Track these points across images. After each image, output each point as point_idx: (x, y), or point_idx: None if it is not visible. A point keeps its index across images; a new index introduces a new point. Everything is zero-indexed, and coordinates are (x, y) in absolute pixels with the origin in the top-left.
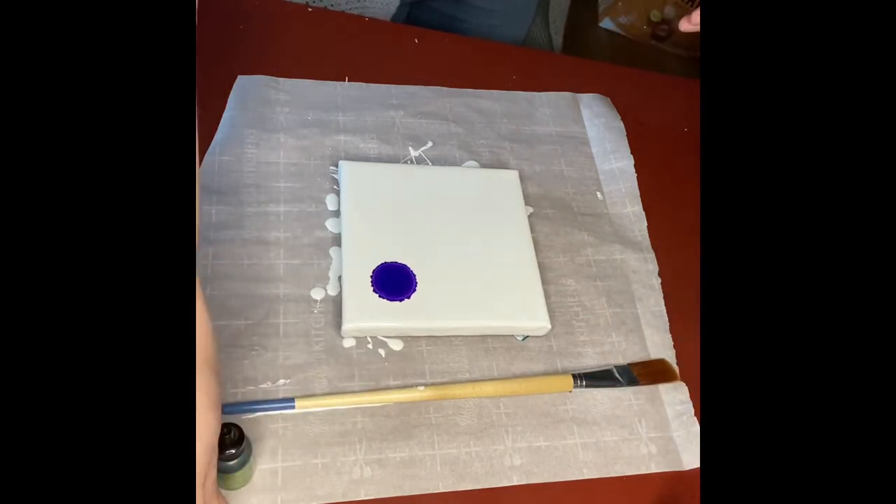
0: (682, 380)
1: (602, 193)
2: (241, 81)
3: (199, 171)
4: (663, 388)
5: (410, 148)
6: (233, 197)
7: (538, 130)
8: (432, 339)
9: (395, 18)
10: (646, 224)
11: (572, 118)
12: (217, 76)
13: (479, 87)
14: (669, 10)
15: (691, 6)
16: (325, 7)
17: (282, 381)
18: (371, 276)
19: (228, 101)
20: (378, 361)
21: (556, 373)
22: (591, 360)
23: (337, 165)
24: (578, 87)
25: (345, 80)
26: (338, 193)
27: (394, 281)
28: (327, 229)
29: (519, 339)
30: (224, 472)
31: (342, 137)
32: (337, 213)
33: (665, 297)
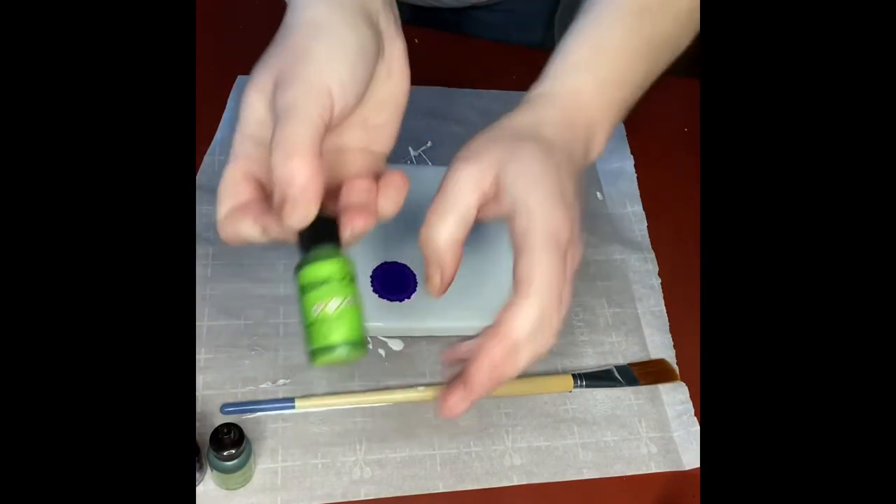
0: (682, 380)
1: (602, 193)
2: (241, 81)
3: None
4: (663, 388)
5: (410, 148)
6: None
7: None
8: (432, 339)
9: None
10: (646, 224)
11: None
12: (217, 76)
13: (479, 87)
14: None
15: None
16: None
17: (282, 381)
18: (371, 276)
19: (228, 101)
20: (378, 361)
21: (556, 373)
22: (591, 360)
23: None
24: None
25: None
26: None
27: (394, 281)
28: None
29: None
30: (224, 472)
31: None
32: None
33: (665, 297)
